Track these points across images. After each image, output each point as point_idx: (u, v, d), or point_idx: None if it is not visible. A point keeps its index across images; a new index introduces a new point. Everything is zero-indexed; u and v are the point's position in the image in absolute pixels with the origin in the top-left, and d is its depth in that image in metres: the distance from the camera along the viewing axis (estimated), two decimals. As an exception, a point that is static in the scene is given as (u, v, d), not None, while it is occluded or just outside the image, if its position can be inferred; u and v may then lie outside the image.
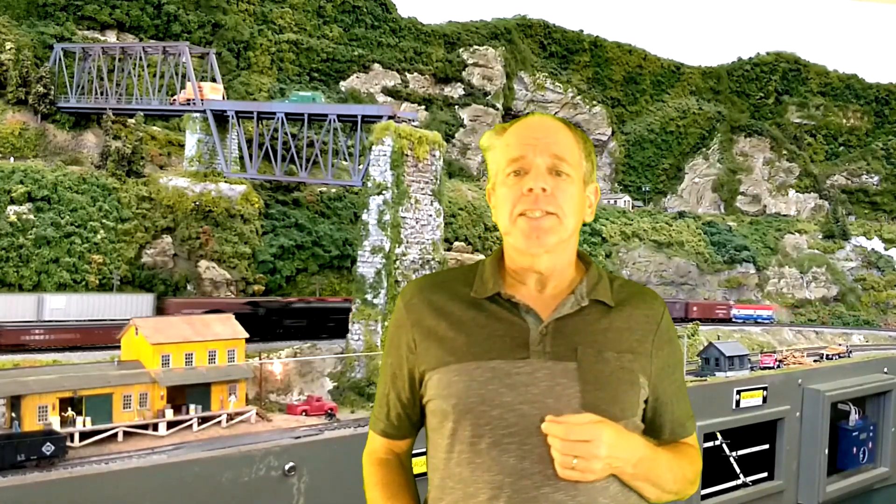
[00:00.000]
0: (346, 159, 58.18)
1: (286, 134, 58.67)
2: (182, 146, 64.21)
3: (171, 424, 37.81)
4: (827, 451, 6.07)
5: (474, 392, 1.73)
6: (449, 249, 65.44)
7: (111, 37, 74.22)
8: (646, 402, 1.83)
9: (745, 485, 5.74)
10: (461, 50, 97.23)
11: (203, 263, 56.48)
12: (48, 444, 31.92)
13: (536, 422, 1.69)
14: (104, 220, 53.75)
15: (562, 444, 1.63)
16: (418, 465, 2.02)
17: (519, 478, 1.69)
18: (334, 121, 56.98)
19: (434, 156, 55.31)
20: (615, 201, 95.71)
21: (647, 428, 1.87)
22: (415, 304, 1.87)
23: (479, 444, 1.72)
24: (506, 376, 1.73)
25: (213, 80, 64.59)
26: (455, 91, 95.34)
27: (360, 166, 54.62)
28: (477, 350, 1.76)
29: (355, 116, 57.32)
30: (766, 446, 5.87)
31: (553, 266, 1.80)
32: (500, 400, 1.71)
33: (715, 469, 5.45)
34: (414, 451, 2.03)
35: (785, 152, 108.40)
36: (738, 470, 5.69)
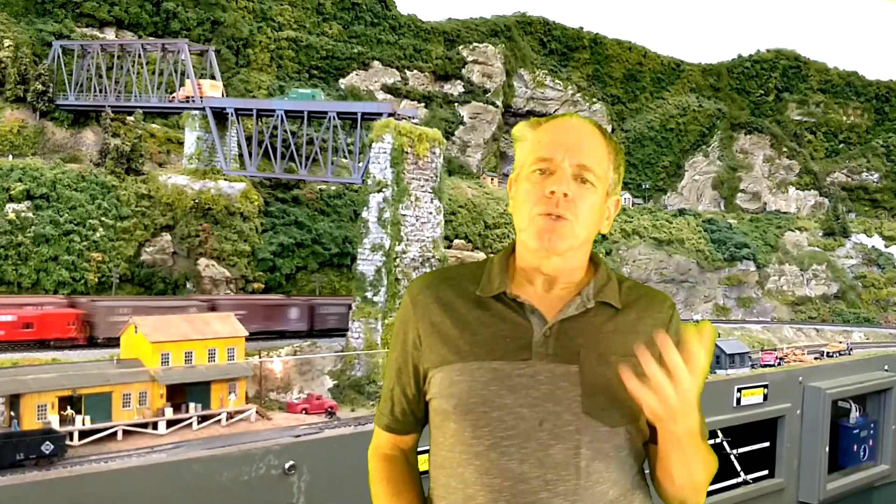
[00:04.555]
0: (345, 157, 58.14)
1: (286, 131, 58.62)
2: (181, 144, 64.17)
3: (170, 423, 37.81)
4: (827, 449, 6.06)
5: (475, 393, 1.71)
6: (449, 247, 65.46)
7: (110, 34, 74.12)
8: None
9: (745, 482, 5.72)
10: (461, 47, 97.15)
11: (202, 261, 56.49)
12: (47, 442, 31.90)
13: (535, 425, 1.67)
14: (103, 218, 53.72)
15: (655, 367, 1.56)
16: (421, 463, 2.02)
17: (517, 482, 1.67)
18: (334, 118, 56.92)
19: (434, 153, 55.29)
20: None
21: (654, 431, 1.81)
22: (421, 299, 1.84)
23: (479, 445, 1.70)
24: (507, 378, 1.71)
25: (213, 77, 64.51)
26: (455, 88, 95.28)
27: (360, 164, 54.59)
28: (480, 350, 1.74)
29: (355, 114, 57.28)
30: (767, 444, 5.86)
31: (562, 269, 1.78)
32: (501, 402, 1.69)
33: None
34: (419, 449, 2.01)
35: (785, 150, 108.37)
36: (738, 468, 5.68)
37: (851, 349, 60.78)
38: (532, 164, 1.75)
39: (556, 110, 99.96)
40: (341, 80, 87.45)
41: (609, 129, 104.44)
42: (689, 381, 1.55)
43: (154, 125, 66.92)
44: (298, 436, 29.03)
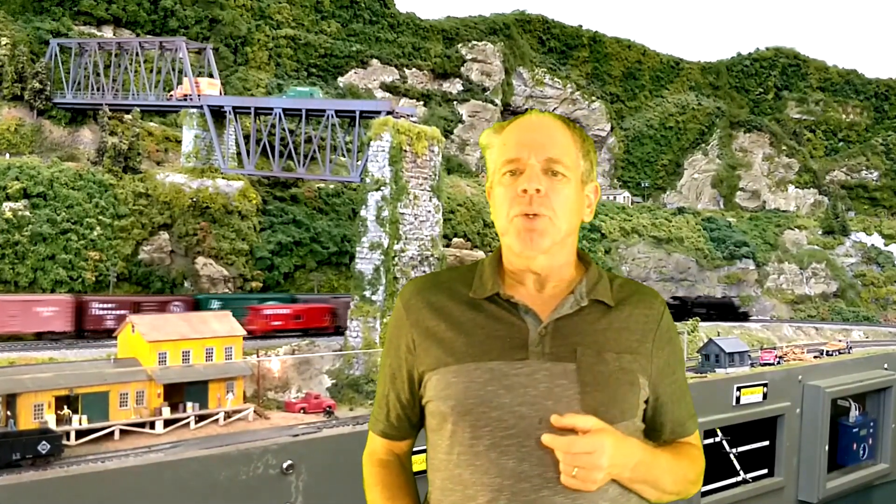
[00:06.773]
0: (344, 155, 58.12)
1: (284, 129, 58.57)
2: (179, 142, 64.13)
3: (167, 422, 37.74)
4: (827, 448, 6.05)
5: (473, 393, 1.71)
6: (448, 245, 65.46)
7: (107, 32, 74.07)
8: (646, 402, 1.81)
9: (745, 481, 5.71)
10: (460, 45, 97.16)
11: (200, 260, 56.47)
12: (44, 442, 31.79)
13: (535, 423, 1.68)
14: (101, 217, 53.67)
15: (563, 455, 1.63)
16: (417, 463, 2.00)
17: (518, 480, 1.67)
18: (332, 116, 56.86)
19: (433, 151, 55.26)
20: (614, 197, 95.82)
21: (648, 428, 1.86)
22: (413, 304, 1.85)
23: (478, 446, 1.70)
24: (504, 377, 1.71)
25: (211, 75, 64.49)
26: (454, 86, 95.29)
27: (359, 162, 54.55)
28: (476, 351, 1.74)
29: (353, 112, 57.20)
30: (767, 443, 5.85)
31: (550, 266, 1.78)
32: (499, 401, 1.70)
33: (715, 466, 5.42)
34: (414, 449, 2.01)
35: (784, 148, 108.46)
36: (738, 466, 5.67)
37: (851, 347, 60.78)
38: (502, 167, 1.76)
39: (555, 108, 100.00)
40: (340, 79, 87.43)
41: (608, 127, 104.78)
42: (586, 442, 1.63)
43: (152, 123, 66.88)
44: (297, 435, 28.99)
